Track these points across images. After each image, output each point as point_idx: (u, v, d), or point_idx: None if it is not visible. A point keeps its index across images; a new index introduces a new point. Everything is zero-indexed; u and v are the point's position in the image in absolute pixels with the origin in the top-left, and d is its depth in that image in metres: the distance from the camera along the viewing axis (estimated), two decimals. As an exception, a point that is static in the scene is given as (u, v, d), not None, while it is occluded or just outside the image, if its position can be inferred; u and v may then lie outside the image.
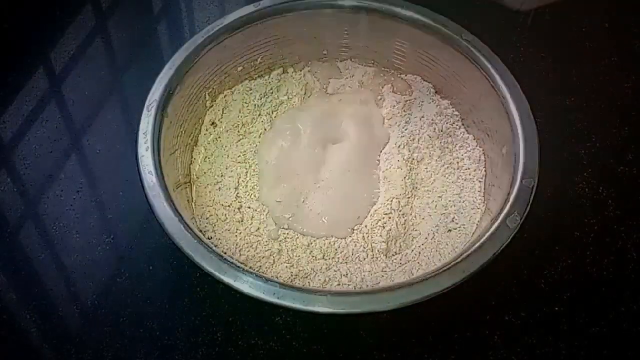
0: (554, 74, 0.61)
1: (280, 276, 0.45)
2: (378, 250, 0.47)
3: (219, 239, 0.47)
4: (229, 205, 0.49)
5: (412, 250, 0.47)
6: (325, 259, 0.47)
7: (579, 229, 0.51)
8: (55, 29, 0.64)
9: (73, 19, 0.65)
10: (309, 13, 0.53)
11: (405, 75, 0.57)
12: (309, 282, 0.45)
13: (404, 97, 0.55)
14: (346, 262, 0.46)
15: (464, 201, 0.49)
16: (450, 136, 0.53)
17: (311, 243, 0.47)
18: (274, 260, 0.46)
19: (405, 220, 0.48)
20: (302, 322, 0.45)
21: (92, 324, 0.46)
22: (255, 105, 0.55)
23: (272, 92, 0.56)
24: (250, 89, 0.55)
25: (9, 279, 0.48)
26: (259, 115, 0.54)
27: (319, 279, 0.45)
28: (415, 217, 0.49)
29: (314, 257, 0.47)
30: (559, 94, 0.59)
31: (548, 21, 0.66)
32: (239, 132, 0.53)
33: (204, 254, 0.39)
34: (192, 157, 0.51)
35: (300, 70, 0.57)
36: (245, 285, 0.37)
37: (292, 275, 0.45)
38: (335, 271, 0.46)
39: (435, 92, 0.55)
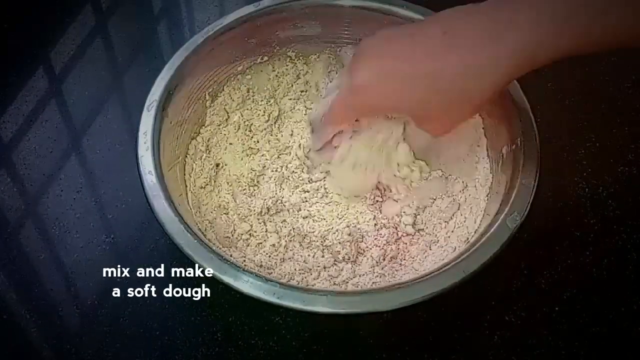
0: (554, 73, 0.61)
1: (280, 275, 0.45)
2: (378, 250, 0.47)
3: (219, 238, 0.47)
4: (228, 204, 0.49)
5: (412, 250, 0.47)
6: (325, 257, 0.47)
7: (579, 229, 0.51)
8: (55, 29, 0.64)
9: (73, 19, 0.65)
10: (309, 13, 0.53)
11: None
12: (309, 281, 0.45)
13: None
14: (347, 262, 0.47)
15: (464, 201, 0.49)
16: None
17: (312, 242, 0.47)
18: (274, 260, 0.46)
19: (405, 220, 0.48)
20: (302, 322, 0.45)
21: (92, 324, 0.46)
22: (255, 105, 0.55)
23: (272, 92, 0.56)
24: (250, 89, 0.55)
25: (9, 279, 0.48)
26: (260, 115, 0.54)
27: (320, 278, 0.45)
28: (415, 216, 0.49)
29: (313, 256, 0.47)
30: (559, 94, 0.59)
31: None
32: (239, 131, 0.53)
33: (204, 254, 0.39)
34: (192, 156, 0.51)
35: (300, 71, 0.57)
36: (245, 285, 0.37)
37: (291, 275, 0.45)
38: (336, 270, 0.46)
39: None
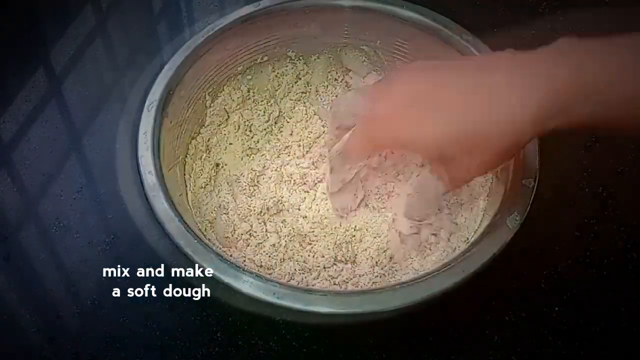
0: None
1: (280, 275, 0.45)
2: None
3: (219, 238, 0.47)
4: (228, 204, 0.49)
5: (412, 250, 0.47)
6: (325, 257, 0.47)
7: (579, 229, 0.51)
8: (55, 29, 0.64)
9: (73, 19, 0.65)
10: (309, 13, 0.53)
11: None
12: (309, 281, 0.45)
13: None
14: (346, 262, 0.47)
15: (464, 201, 0.49)
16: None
17: (312, 242, 0.47)
18: (274, 260, 0.46)
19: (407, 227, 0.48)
20: (302, 322, 0.45)
21: (92, 324, 0.46)
22: (255, 105, 0.55)
23: (272, 92, 0.56)
24: (250, 89, 0.56)
25: (9, 279, 0.48)
26: (260, 115, 0.54)
27: (320, 278, 0.45)
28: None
29: (313, 255, 0.47)
30: (559, 94, 0.59)
31: (548, 22, 0.66)
32: (239, 131, 0.53)
33: (204, 254, 0.39)
34: (192, 156, 0.51)
35: (300, 71, 0.57)
36: (245, 285, 0.37)
37: (291, 275, 0.45)
38: (336, 271, 0.46)
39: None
